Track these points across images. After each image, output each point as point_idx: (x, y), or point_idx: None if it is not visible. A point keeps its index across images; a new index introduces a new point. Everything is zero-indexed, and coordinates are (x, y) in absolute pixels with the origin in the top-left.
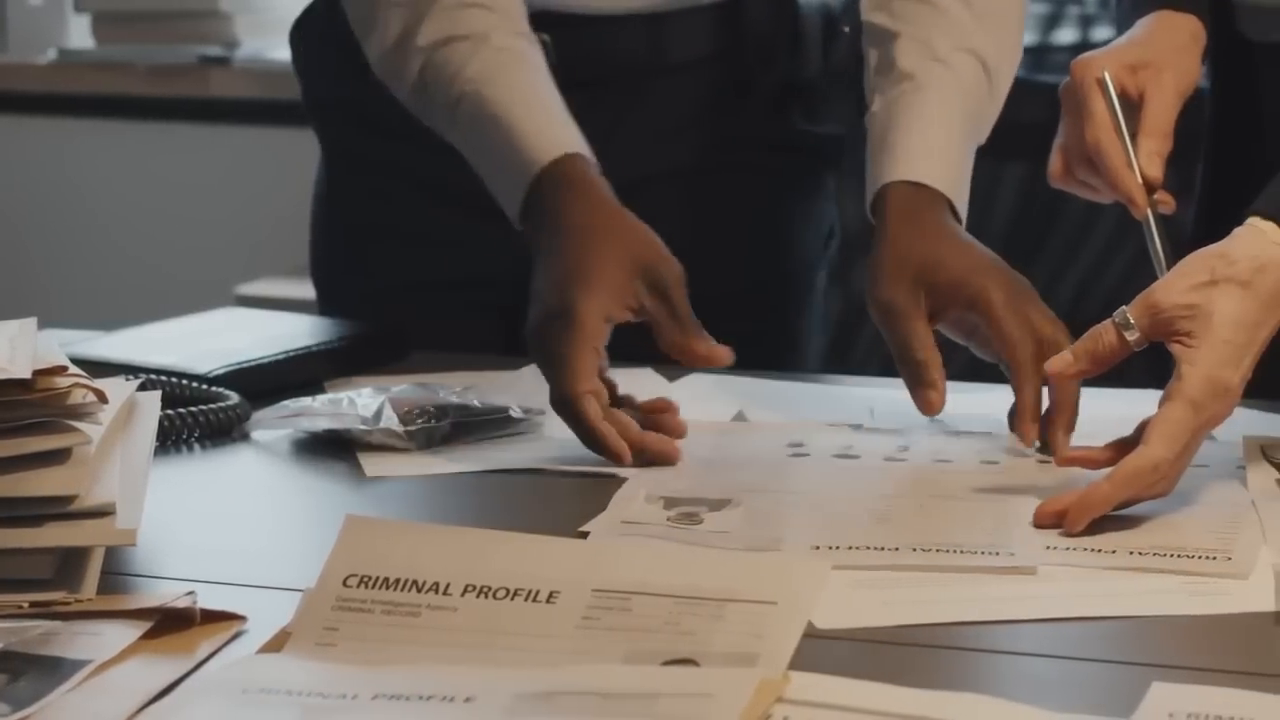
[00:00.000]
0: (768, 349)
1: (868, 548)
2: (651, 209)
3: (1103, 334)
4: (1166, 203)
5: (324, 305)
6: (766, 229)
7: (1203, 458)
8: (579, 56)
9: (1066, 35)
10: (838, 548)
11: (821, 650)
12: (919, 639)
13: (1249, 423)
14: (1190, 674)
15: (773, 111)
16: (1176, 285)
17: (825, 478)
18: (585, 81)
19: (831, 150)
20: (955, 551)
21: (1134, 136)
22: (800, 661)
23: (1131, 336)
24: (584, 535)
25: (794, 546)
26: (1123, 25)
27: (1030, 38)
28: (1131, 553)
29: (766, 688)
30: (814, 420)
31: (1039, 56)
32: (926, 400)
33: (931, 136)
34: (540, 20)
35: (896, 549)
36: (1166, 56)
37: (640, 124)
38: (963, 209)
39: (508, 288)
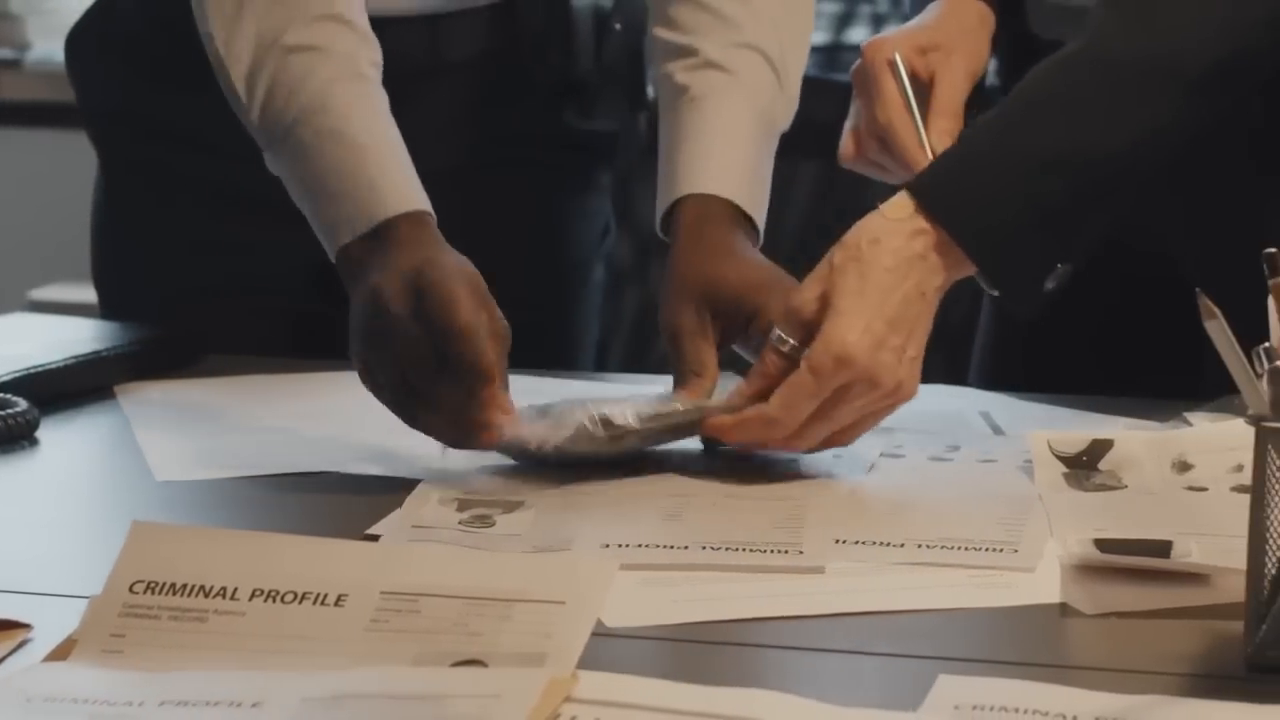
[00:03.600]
0: (545, 343)
1: (658, 546)
2: None
3: (766, 359)
4: None
5: (108, 314)
6: (541, 224)
7: (990, 452)
8: None
9: (859, 34)
10: (627, 545)
11: (610, 649)
12: (707, 636)
13: (1037, 419)
14: (976, 666)
15: (546, 109)
16: (805, 285)
17: (619, 477)
18: None
19: (605, 146)
20: (745, 550)
21: (925, 117)
22: (589, 660)
23: (786, 347)
24: (375, 538)
25: (584, 547)
26: (915, 11)
27: (823, 37)
28: (919, 546)
29: (555, 687)
30: None
31: (831, 55)
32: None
33: (715, 146)
34: None
35: (686, 547)
36: (956, 39)
37: (413, 123)
38: (759, 212)
39: (296, 292)
